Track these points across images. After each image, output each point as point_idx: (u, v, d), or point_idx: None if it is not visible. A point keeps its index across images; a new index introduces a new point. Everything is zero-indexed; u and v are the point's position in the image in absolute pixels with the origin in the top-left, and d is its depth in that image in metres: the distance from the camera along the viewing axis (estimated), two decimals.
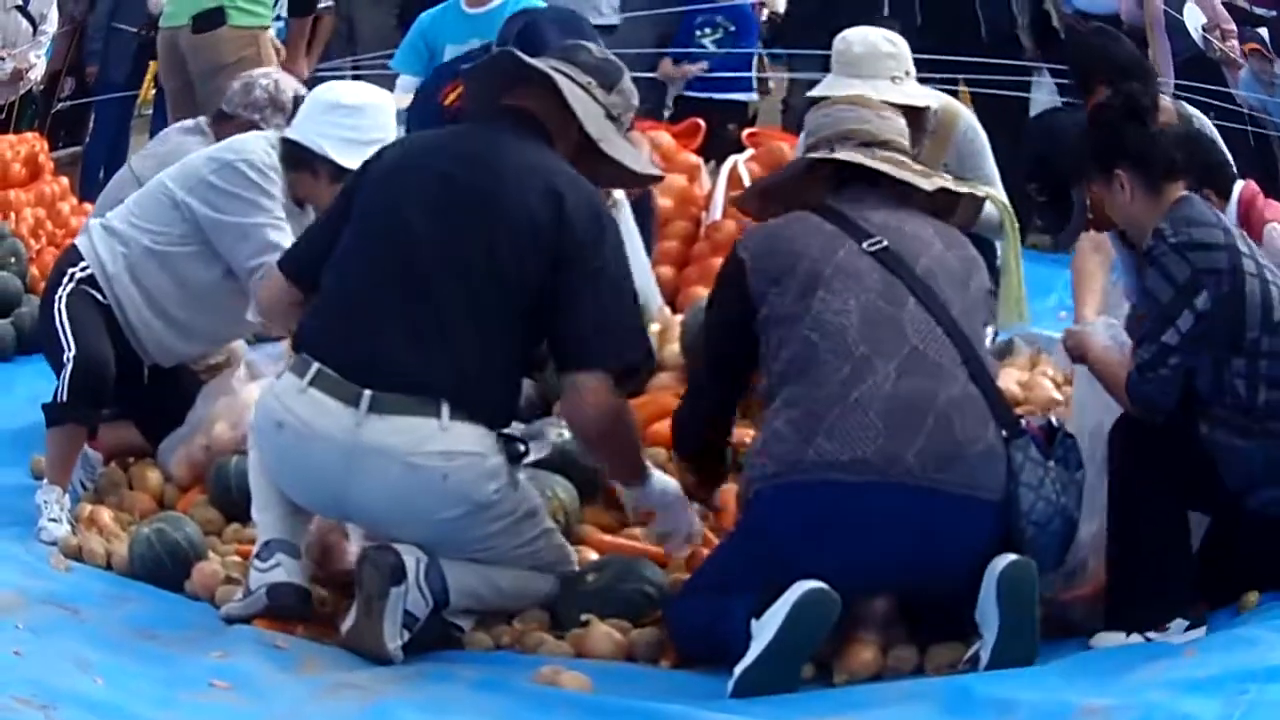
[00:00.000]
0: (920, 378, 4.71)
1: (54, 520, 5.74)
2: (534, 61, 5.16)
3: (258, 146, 6.18)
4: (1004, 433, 4.70)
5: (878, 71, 6.41)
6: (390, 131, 6.19)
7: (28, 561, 5.46)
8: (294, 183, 6.15)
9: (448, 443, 4.81)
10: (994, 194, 6.38)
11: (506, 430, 4.96)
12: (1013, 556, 4.59)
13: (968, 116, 6.88)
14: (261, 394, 5.17)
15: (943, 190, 5.15)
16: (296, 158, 6.12)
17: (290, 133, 6.20)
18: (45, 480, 5.92)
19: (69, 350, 5.96)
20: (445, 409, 4.81)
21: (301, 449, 4.90)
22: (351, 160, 5.92)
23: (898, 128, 5.26)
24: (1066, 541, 4.80)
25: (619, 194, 6.84)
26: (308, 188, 6.14)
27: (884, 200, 5.06)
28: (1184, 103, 7.14)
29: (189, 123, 7.28)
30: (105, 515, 5.78)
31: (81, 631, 4.84)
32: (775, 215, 5.15)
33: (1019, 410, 5.13)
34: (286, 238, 5.93)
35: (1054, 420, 4.85)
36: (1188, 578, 4.85)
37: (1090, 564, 4.98)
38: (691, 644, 4.84)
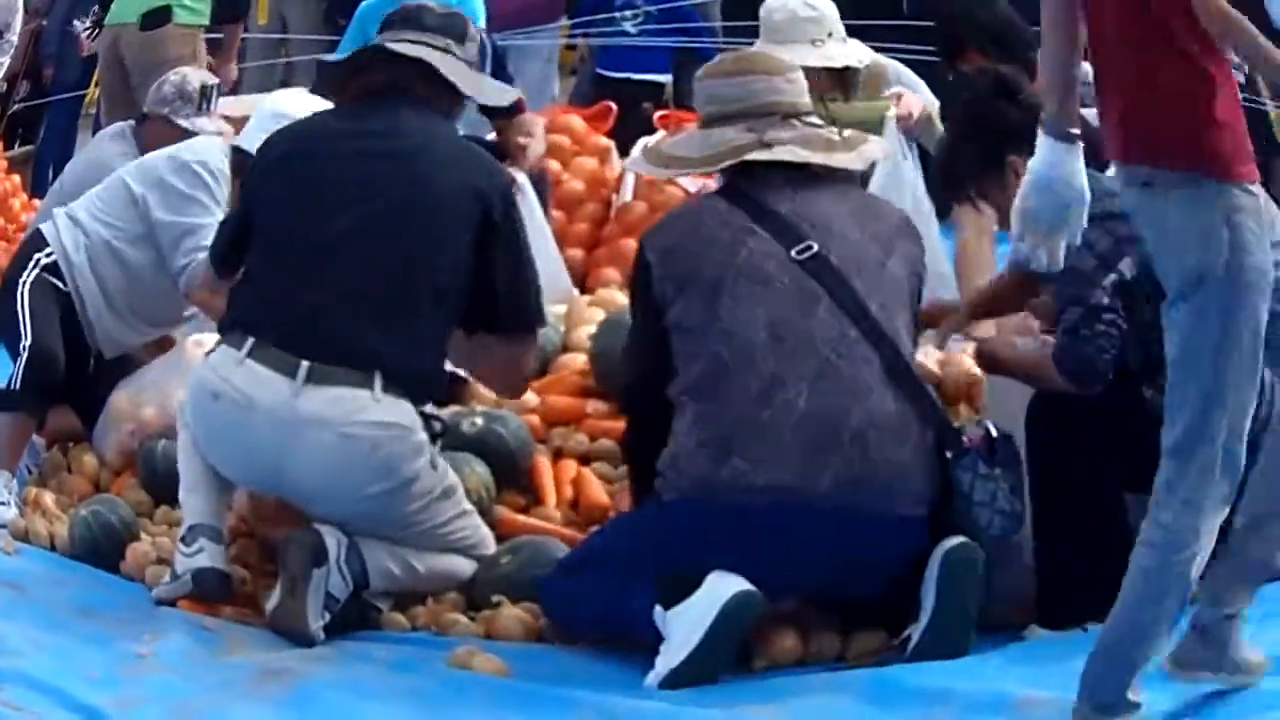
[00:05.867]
0: (834, 395, 4.62)
1: (2, 504, 5.88)
2: (404, 49, 5.29)
3: (214, 152, 6.35)
4: (948, 453, 4.64)
5: (798, 36, 6.49)
6: None
7: None
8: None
9: (380, 414, 4.90)
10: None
11: (426, 409, 5.08)
12: (960, 539, 4.58)
13: (895, 65, 6.89)
14: (195, 367, 5.20)
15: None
16: (244, 166, 6.14)
17: (240, 141, 6.31)
18: None
19: (25, 339, 6.12)
20: (378, 380, 4.93)
21: (239, 420, 4.96)
22: None
23: (804, 86, 5.09)
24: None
25: (520, 176, 6.91)
26: None
27: (791, 178, 4.88)
28: None
29: (114, 129, 7.34)
30: (48, 498, 5.90)
31: (28, 612, 4.98)
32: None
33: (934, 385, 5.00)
34: None
35: (991, 427, 4.72)
36: (1124, 563, 4.53)
37: None
38: (577, 623, 4.85)
